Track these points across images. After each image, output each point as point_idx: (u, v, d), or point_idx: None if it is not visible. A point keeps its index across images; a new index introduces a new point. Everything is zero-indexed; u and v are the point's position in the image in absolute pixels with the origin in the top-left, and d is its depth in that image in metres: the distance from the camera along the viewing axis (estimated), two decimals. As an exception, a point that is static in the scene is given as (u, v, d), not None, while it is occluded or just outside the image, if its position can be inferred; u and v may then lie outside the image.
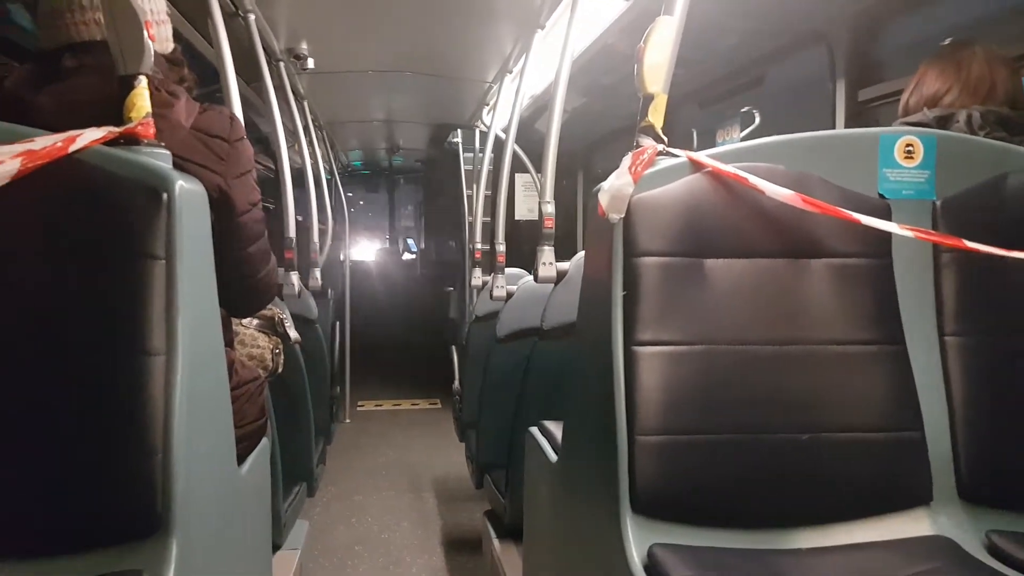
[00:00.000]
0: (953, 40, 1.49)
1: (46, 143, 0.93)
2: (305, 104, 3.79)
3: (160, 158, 1.02)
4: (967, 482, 1.09)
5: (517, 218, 5.38)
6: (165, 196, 0.97)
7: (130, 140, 1.01)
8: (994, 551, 1.03)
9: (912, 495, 1.08)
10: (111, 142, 1.00)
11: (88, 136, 0.97)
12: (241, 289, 1.30)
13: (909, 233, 1.03)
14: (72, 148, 0.95)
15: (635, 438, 1.01)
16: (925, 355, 1.12)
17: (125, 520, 0.94)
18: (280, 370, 1.51)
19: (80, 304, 0.95)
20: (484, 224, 3.72)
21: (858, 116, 2.28)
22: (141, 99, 1.02)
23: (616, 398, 1.04)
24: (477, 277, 3.54)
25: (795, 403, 1.06)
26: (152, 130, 1.03)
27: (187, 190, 1.01)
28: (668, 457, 1.02)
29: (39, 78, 1.11)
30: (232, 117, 1.24)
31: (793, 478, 1.05)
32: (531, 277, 2.30)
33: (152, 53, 1.02)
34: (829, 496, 1.06)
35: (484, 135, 4.04)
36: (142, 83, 1.02)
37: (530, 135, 4.22)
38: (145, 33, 1.00)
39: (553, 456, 1.42)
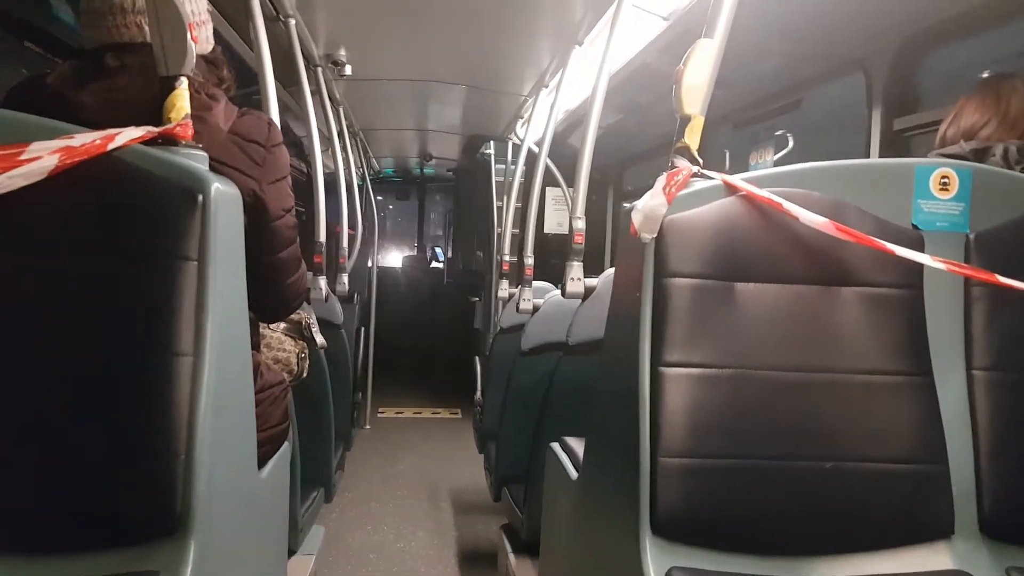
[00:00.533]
0: (994, 73, 1.48)
1: (85, 140, 0.95)
2: (340, 110, 3.84)
3: (197, 160, 1.04)
4: (989, 517, 1.07)
5: (546, 231, 5.38)
6: (200, 198, 0.99)
7: (168, 140, 1.03)
8: None
9: (933, 528, 1.07)
10: (149, 142, 1.02)
11: (127, 135, 0.99)
12: (270, 294, 1.31)
13: (941, 266, 1.01)
14: (111, 146, 0.96)
15: (658, 459, 1.01)
16: (952, 388, 1.10)
17: (145, 520, 0.95)
18: (305, 375, 1.53)
19: (111, 302, 0.97)
20: (513, 236, 3.73)
21: (892, 145, 2.25)
22: (181, 100, 1.04)
23: (641, 418, 1.03)
24: (504, 289, 3.54)
25: (820, 431, 1.04)
26: (191, 131, 1.05)
27: (222, 192, 1.02)
28: (690, 480, 1.01)
29: (81, 76, 1.13)
30: (270, 123, 1.25)
31: (815, 507, 1.04)
32: (558, 291, 2.29)
33: (194, 55, 1.05)
34: (850, 526, 1.05)
35: (517, 148, 4.05)
36: (183, 84, 1.04)
37: (562, 149, 4.23)
38: (188, 35, 1.03)
39: (573, 473, 1.42)
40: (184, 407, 0.96)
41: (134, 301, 0.98)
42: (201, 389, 0.97)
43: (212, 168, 1.06)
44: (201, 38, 1.26)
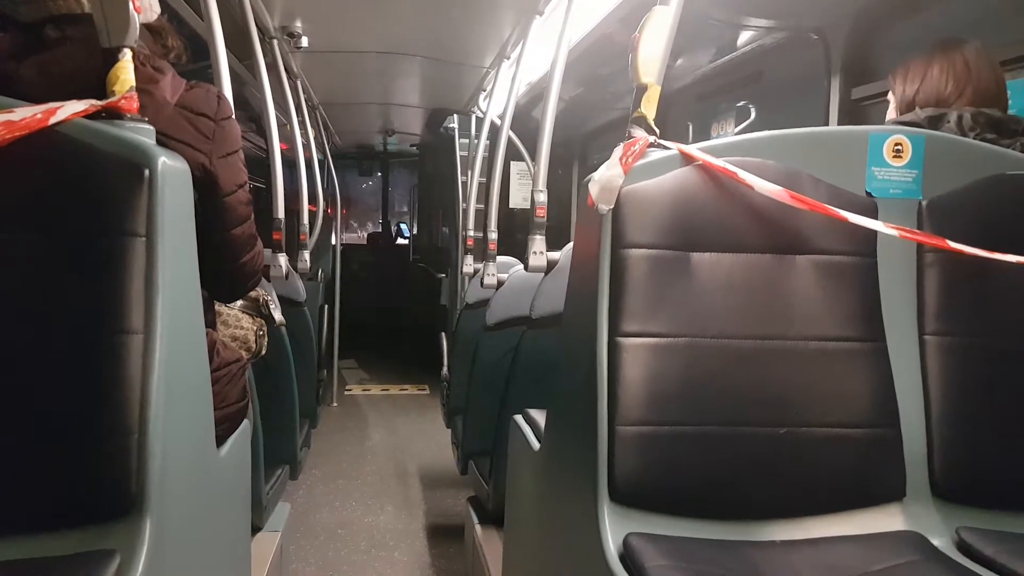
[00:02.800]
0: (948, 38, 1.48)
1: (25, 114, 0.92)
2: (298, 83, 3.75)
3: (143, 133, 1.01)
4: (940, 479, 1.10)
5: (511, 206, 5.35)
6: (147, 172, 0.96)
7: (113, 114, 1.00)
8: (963, 547, 1.04)
9: (886, 491, 1.09)
10: (93, 116, 0.99)
11: (69, 108, 0.96)
12: (224, 272, 1.29)
13: (894, 232, 1.03)
14: (52, 120, 0.93)
15: (615, 428, 1.02)
16: (905, 353, 1.12)
17: (99, 500, 0.93)
18: (264, 352, 1.51)
19: (58, 280, 0.94)
20: (477, 211, 3.71)
21: (851, 114, 2.28)
22: (125, 72, 1.01)
23: (598, 388, 1.04)
24: (469, 264, 3.53)
25: (775, 397, 1.06)
26: (136, 104, 1.02)
27: (170, 167, 0.99)
28: (647, 448, 1.02)
29: (19, 49, 1.08)
30: (220, 96, 1.22)
31: (770, 471, 1.06)
32: (522, 266, 2.29)
33: (137, 26, 1.01)
34: (804, 490, 1.07)
35: (480, 121, 4.02)
36: (126, 56, 1.01)
37: (526, 123, 4.20)
38: (131, 5, 0.99)
39: (536, 444, 1.43)
40: (136, 385, 0.94)
41: (82, 279, 0.95)
42: (153, 367, 0.95)
43: (160, 143, 1.03)
44: (145, 6, 1.22)
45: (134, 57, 1.09)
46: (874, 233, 1.09)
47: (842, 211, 1.03)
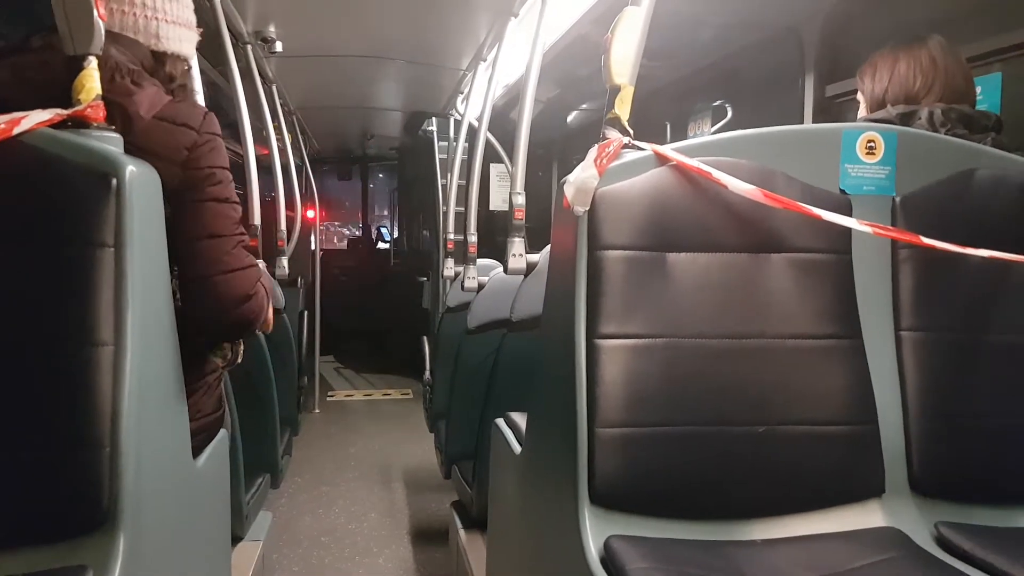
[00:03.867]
0: (912, 35, 1.49)
1: (-11, 124, 0.90)
2: (273, 88, 3.72)
3: (110, 142, 1.00)
4: (918, 475, 1.11)
5: (492, 209, 5.35)
6: (115, 182, 0.95)
7: (78, 123, 0.99)
8: (942, 542, 1.05)
9: (865, 487, 1.10)
10: (59, 125, 0.97)
11: (34, 118, 0.94)
12: (205, 287, 1.18)
13: (868, 229, 1.03)
14: (16, 130, 0.92)
15: (595, 430, 1.01)
16: (881, 349, 1.13)
17: (71, 515, 0.91)
18: (239, 360, 1.48)
19: (24, 292, 0.93)
20: (457, 214, 3.70)
21: (825, 111, 2.30)
22: (90, 80, 1.00)
23: (578, 391, 1.03)
24: (449, 268, 3.52)
25: (753, 396, 1.06)
26: (102, 113, 1.00)
27: (138, 175, 0.98)
28: (627, 449, 1.02)
29: (5, 52, 1.10)
30: (207, 114, 1.20)
31: (749, 470, 1.06)
32: (502, 268, 2.28)
33: (103, 34, 0.99)
34: (784, 488, 1.07)
35: (459, 124, 4.01)
36: (91, 64, 1.00)
37: (505, 125, 4.20)
38: (95, 12, 0.98)
39: (517, 447, 1.42)
40: (107, 398, 0.92)
41: (49, 291, 0.94)
42: (124, 379, 0.93)
43: (131, 155, 1.01)
44: (162, 35, 1.25)
45: (114, 69, 1.09)
46: (849, 230, 1.10)
47: (816, 209, 1.03)
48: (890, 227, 1.13)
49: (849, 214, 1.09)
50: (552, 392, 1.17)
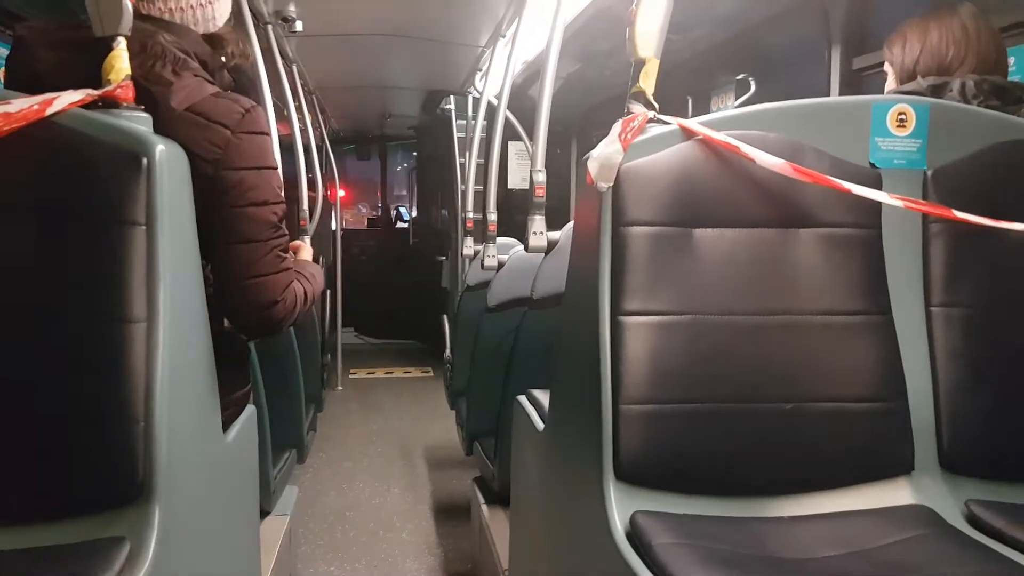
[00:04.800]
0: (942, 4, 1.46)
1: (22, 106, 0.92)
2: (294, 68, 3.72)
3: (140, 122, 1.01)
4: (948, 452, 1.10)
5: (510, 187, 5.33)
6: (145, 161, 0.96)
7: (108, 103, 0.99)
8: (972, 520, 1.04)
9: (894, 464, 1.09)
10: (90, 106, 0.98)
11: (65, 99, 0.95)
12: (233, 289, 1.19)
13: (899, 203, 1.02)
14: (49, 111, 0.93)
15: (619, 407, 1.01)
16: (911, 325, 1.12)
17: (107, 487, 0.94)
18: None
19: (58, 271, 0.94)
20: (476, 193, 3.69)
21: (852, 84, 2.25)
22: (119, 61, 1.00)
23: (602, 367, 1.03)
24: (469, 246, 3.52)
25: (781, 373, 1.06)
26: (131, 93, 1.01)
27: (167, 155, 0.99)
28: (652, 426, 1.02)
29: (52, 33, 1.11)
30: (249, 110, 1.16)
31: (777, 447, 1.05)
32: (522, 247, 2.28)
33: (131, 15, 1.00)
34: (812, 465, 1.07)
35: (477, 102, 3.99)
36: (120, 44, 1.00)
37: (523, 102, 4.17)
38: None
39: (540, 424, 1.43)
40: (140, 373, 0.94)
41: (82, 269, 0.95)
42: (156, 355, 0.95)
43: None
44: (206, 17, 1.24)
45: (156, 56, 1.09)
46: (878, 204, 1.08)
47: (846, 183, 1.02)
48: (921, 201, 1.12)
49: (879, 188, 1.08)
50: (575, 369, 1.17)
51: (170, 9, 1.20)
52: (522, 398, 1.59)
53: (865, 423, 1.07)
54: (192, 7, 1.23)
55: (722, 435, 1.04)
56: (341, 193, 9.27)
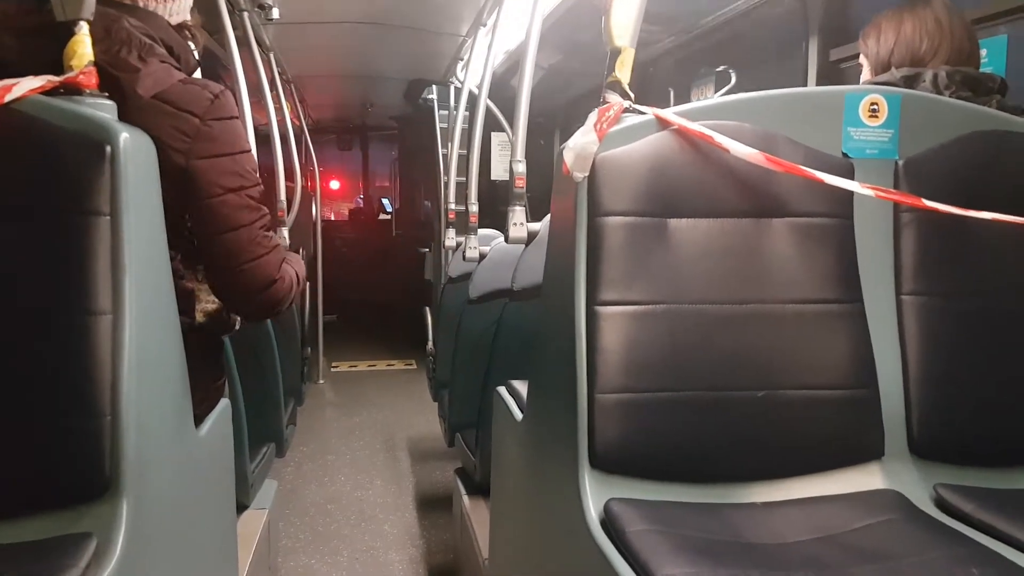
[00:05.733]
0: None
1: (-22, 92, 0.89)
2: (271, 56, 3.68)
3: (104, 109, 0.99)
4: (917, 437, 1.11)
5: (493, 178, 5.32)
6: (109, 149, 0.94)
7: (71, 90, 0.97)
8: (941, 503, 1.05)
9: (865, 450, 1.10)
10: (51, 92, 0.96)
11: (25, 85, 0.93)
12: (227, 281, 1.22)
13: (869, 192, 1.02)
14: (8, 98, 0.91)
15: (595, 396, 1.02)
16: (882, 314, 1.12)
17: (73, 483, 0.92)
18: (238, 326, 1.49)
19: (21, 262, 0.93)
20: (459, 184, 3.68)
21: (829, 75, 2.26)
22: (82, 47, 0.98)
23: (578, 357, 1.03)
24: (451, 238, 3.51)
25: (754, 361, 1.06)
26: (95, 80, 0.99)
27: (132, 142, 0.97)
28: (627, 414, 1.02)
29: (11, 18, 1.07)
30: (218, 95, 1.15)
31: (750, 434, 1.06)
32: (503, 238, 2.28)
33: (94, 0, 0.98)
34: (784, 451, 1.07)
35: (459, 92, 3.97)
36: (83, 29, 0.98)
37: (506, 92, 4.15)
38: None
39: (519, 415, 1.43)
40: (107, 366, 0.93)
41: (46, 260, 0.93)
42: (123, 347, 0.93)
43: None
44: (175, 11, 1.23)
45: (122, 42, 1.07)
46: (851, 194, 1.09)
47: (818, 173, 1.02)
48: (892, 190, 1.12)
49: (851, 178, 1.08)
50: (553, 359, 1.17)
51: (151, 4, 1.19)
52: (502, 389, 1.59)
53: (836, 410, 1.08)
54: None
55: (696, 423, 1.04)
56: (336, 185, 9.21)
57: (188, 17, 1.27)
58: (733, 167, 1.08)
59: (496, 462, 1.67)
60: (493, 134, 5.09)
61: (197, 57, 1.27)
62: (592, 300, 1.05)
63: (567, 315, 1.07)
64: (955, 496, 1.04)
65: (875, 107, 1.15)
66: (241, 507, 2.06)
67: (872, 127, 1.15)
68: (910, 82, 1.36)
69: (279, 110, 3.49)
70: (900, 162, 1.14)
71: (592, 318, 1.04)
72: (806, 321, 1.08)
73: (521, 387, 1.50)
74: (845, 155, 1.14)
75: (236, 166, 1.17)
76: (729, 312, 1.07)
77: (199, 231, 1.17)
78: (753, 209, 1.09)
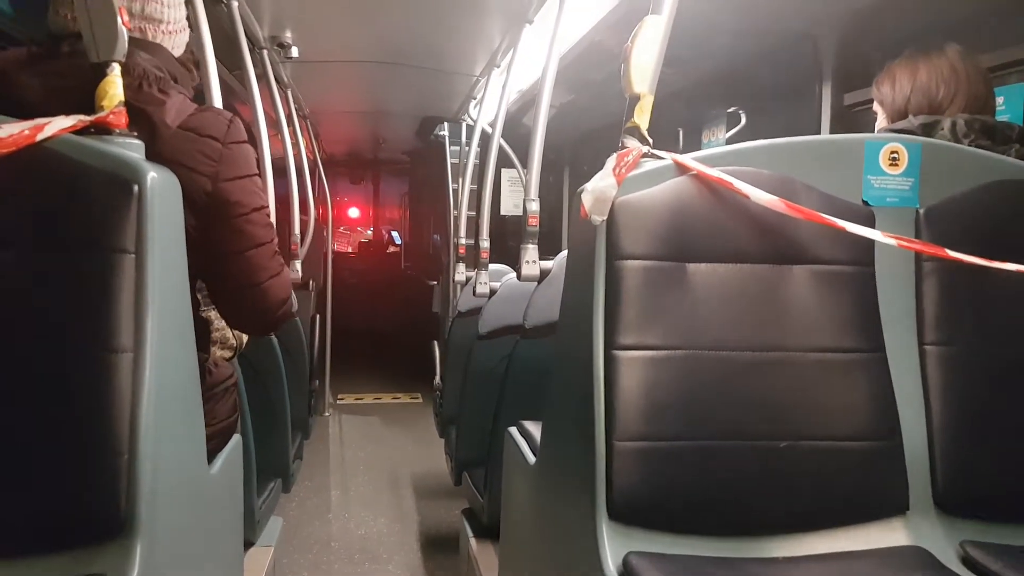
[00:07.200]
0: (930, 43, 1.48)
1: (13, 131, 0.91)
2: (289, 93, 3.73)
3: (132, 148, 1.00)
4: (943, 492, 1.09)
5: (503, 213, 5.35)
6: (136, 188, 0.95)
7: (101, 129, 0.98)
8: (968, 562, 1.03)
9: (888, 504, 1.08)
10: (82, 131, 0.97)
11: (57, 124, 0.94)
12: (245, 297, 1.25)
13: (892, 241, 1.02)
14: (40, 136, 0.92)
15: (613, 443, 1.00)
16: (905, 364, 1.11)
17: (88, 522, 0.91)
18: (244, 347, 1.50)
19: (45, 298, 0.93)
20: (469, 219, 3.69)
21: (843, 120, 2.28)
22: (113, 87, 1.00)
23: (595, 402, 1.02)
24: (461, 272, 3.51)
25: (775, 410, 1.05)
26: (124, 119, 1.00)
27: (159, 182, 0.98)
28: (646, 463, 1.01)
29: (32, 59, 1.11)
30: (232, 120, 1.20)
31: (771, 486, 1.04)
32: (515, 274, 2.28)
33: (125, 41, 1.00)
34: (806, 504, 1.05)
35: (471, 128, 4.01)
36: (115, 71, 1.00)
37: (517, 129, 4.20)
38: (119, 19, 0.98)
39: (531, 457, 1.41)
40: (125, 405, 0.92)
41: (70, 296, 0.94)
42: (143, 386, 0.93)
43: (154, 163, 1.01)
44: (177, 44, 1.27)
45: (140, 76, 1.09)
46: (871, 242, 1.09)
47: (840, 220, 1.02)
48: (915, 239, 1.12)
49: (872, 226, 1.08)
50: (568, 402, 1.16)
51: (152, 29, 1.22)
52: (513, 430, 1.57)
53: (859, 462, 1.06)
54: (173, 32, 1.25)
55: (716, 473, 1.03)
56: (355, 213, 9.29)
57: (181, 51, 1.31)
58: (752, 213, 1.08)
59: (506, 505, 1.65)
60: (503, 170, 5.13)
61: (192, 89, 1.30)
62: (610, 344, 1.04)
63: (584, 357, 1.06)
64: (983, 554, 1.01)
65: (895, 155, 1.15)
66: (247, 544, 2.03)
67: (893, 175, 1.15)
68: (928, 130, 1.37)
69: (295, 144, 3.54)
70: (921, 210, 1.14)
71: (610, 362, 1.03)
72: (827, 369, 1.07)
73: (533, 428, 1.49)
74: (865, 203, 1.14)
75: (255, 186, 1.22)
76: (749, 359, 1.06)
77: (225, 250, 1.20)
78: (772, 255, 1.09)
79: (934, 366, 1.11)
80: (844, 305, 1.09)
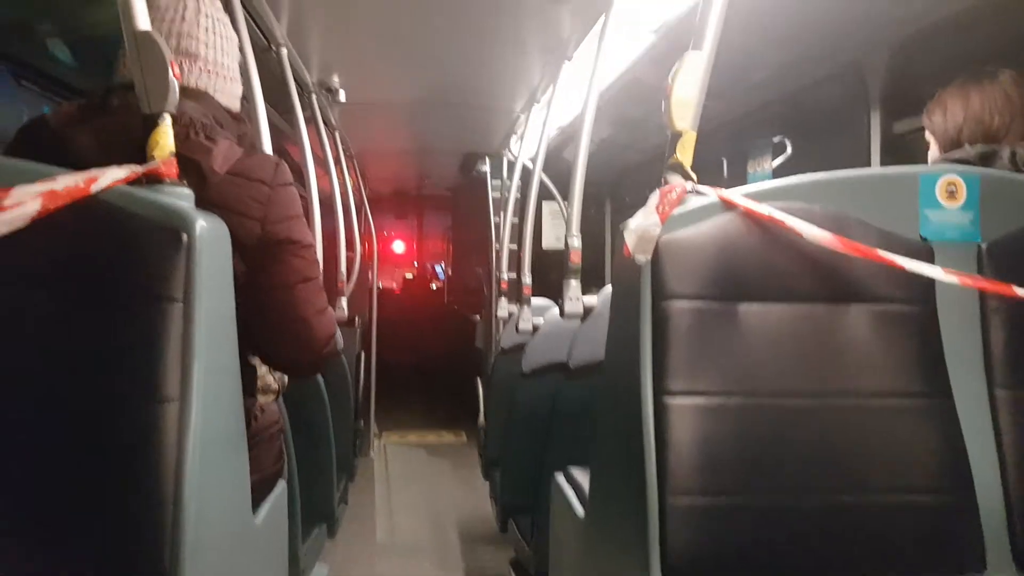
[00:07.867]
0: (979, 69, 1.43)
1: (67, 183, 0.93)
2: (336, 135, 3.82)
3: (182, 198, 1.01)
4: (1023, 548, 1.01)
5: (544, 247, 5.34)
6: (185, 237, 0.96)
7: (152, 179, 1.00)
8: None
9: (963, 562, 1.01)
10: (134, 182, 0.99)
11: (110, 176, 0.96)
12: (289, 335, 1.24)
13: (955, 279, 0.97)
14: (93, 188, 0.94)
15: (667, 498, 0.96)
16: (974, 409, 1.05)
17: (133, 572, 0.91)
18: (286, 389, 1.50)
19: (94, 346, 0.94)
20: (511, 252, 3.69)
21: (893, 150, 2.22)
22: (164, 138, 1.02)
23: (646, 453, 0.98)
24: (503, 307, 3.50)
25: (836, 461, 0.99)
26: (175, 170, 1.02)
27: (208, 230, 0.99)
28: (702, 519, 0.96)
29: (83, 115, 1.14)
30: (279, 163, 1.22)
31: (834, 543, 0.98)
32: (557, 308, 2.25)
33: (176, 92, 1.02)
34: (872, 562, 0.99)
35: (512, 163, 4.03)
36: (166, 121, 1.02)
37: (557, 164, 4.21)
38: (170, 72, 1.00)
39: (580, 509, 1.37)
40: (172, 454, 0.92)
41: (118, 345, 0.95)
42: (188, 435, 0.93)
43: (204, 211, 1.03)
44: (231, 94, 1.31)
45: (187, 125, 1.11)
46: (932, 280, 1.04)
47: (898, 258, 0.98)
48: (978, 276, 1.06)
49: (931, 262, 1.03)
50: (617, 452, 1.12)
51: (188, 64, 1.23)
52: (560, 477, 1.53)
53: (930, 516, 1.00)
54: (213, 73, 1.27)
55: (776, 528, 0.98)
56: (400, 248, 9.42)
57: (237, 106, 1.33)
58: (803, 250, 1.04)
59: (555, 558, 1.60)
60: (544, 203, 5.13)
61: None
62: (659, 389, 1.00)
63: (631, 403, 1.03)
64: (1069, 615, 0.94)
65: (952, 188, 1.11)
66: None
67: (951, 209, 1.10)
68: (986, 160, 1.32)
69: (342, 184, 3.60)
70: (983, 245, 1.09)
71: (660, 409, 1.00)
72: (891, 416, 1.02)
73: (580, 475, 1.45)
74: (923, 238, 1.09)
75: (302, 225, 1.24)
76: (806, 405, 1.01)
77: (272, 283, 1.20)
78: (827, 294, 1.05)
79: (1006, 411, 1.05)
80: (906, 346, 1.04)
